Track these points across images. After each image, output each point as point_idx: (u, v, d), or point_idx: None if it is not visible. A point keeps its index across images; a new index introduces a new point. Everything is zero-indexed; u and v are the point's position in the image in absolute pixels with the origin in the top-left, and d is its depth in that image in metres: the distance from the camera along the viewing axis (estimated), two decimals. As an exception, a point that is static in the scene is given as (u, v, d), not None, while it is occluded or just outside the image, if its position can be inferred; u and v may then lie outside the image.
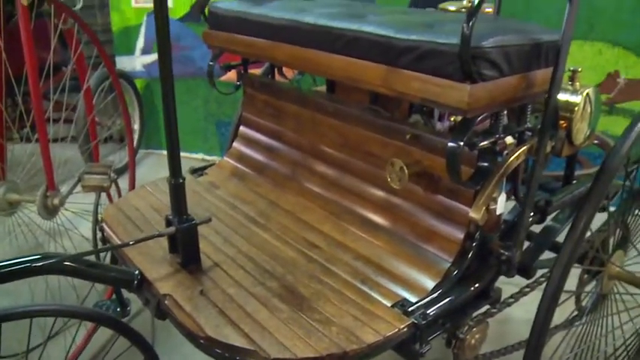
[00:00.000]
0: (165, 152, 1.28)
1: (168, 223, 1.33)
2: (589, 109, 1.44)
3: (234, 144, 1.93)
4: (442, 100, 1.11)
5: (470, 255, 1.29)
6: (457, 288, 1.29)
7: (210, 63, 1.83)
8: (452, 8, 1.78)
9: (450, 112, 1.23)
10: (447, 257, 1.30)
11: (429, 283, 1.28)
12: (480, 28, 1.12)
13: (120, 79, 3.39)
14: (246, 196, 1.71)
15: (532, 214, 1.45)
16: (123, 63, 3.66)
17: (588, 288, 1.71)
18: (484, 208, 1.18)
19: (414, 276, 1.31)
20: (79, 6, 2.33)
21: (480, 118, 1.34)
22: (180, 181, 1.29)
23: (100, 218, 1.67)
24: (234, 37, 1.66)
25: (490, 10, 1.76)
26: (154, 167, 3.55)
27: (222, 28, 1.71)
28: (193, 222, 1.32)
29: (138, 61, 3.64)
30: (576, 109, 1.38)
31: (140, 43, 3.60)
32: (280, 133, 1.78)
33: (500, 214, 1.34)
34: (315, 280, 1.31)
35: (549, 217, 1.53)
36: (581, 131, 1.44)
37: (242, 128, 1.93)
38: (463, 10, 1.80)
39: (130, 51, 3.65)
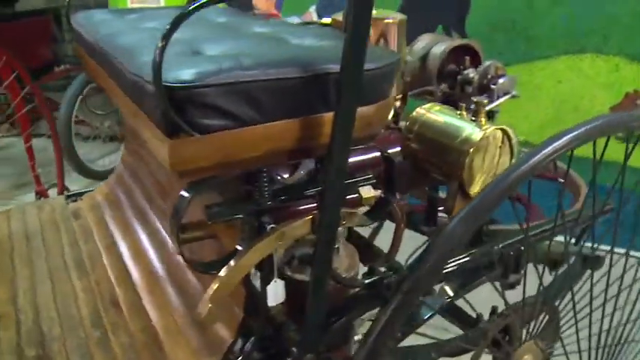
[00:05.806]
0: None
1: None
2: (497, 154, 1.15)
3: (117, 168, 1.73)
4: (159, 156, 0.85)
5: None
6: None
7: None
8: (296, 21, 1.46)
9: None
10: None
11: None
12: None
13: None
14: (99, 231, 1.51)
15: None
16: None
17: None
18: (208, 304, 0.88)
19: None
20: None
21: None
22: None
23: None
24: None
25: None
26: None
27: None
28: None
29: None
30: (472, 149, 1.09)
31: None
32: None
33: None
34: (81, 355, 1.10)
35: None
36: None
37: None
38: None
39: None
